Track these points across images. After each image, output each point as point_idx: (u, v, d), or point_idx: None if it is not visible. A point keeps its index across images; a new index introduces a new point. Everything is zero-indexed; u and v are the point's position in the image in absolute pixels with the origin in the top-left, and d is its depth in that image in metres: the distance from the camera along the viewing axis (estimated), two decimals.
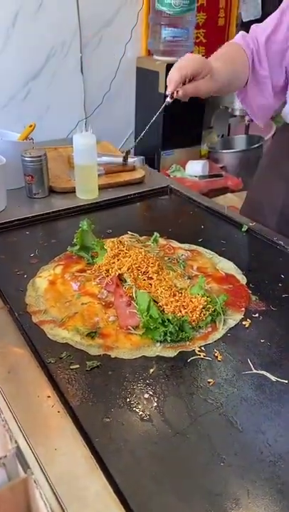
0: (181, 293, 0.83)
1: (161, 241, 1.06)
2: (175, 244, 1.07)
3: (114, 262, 0.90)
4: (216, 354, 0.75)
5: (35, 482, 0.42)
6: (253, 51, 1.11)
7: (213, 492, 0.54)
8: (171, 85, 1.01)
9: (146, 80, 3.08)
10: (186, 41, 2.98)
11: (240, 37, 1.14)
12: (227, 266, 0.99)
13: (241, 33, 1.16)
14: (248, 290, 0.91)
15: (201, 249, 1.05)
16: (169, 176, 2.88)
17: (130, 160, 1.46)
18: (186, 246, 1.06)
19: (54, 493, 0.52)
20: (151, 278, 0.85)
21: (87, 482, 0.54)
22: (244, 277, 0.95)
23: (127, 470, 0.56)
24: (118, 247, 0.94)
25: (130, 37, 3.01)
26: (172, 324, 0.75)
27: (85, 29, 2.78)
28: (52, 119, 2.73)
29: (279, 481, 0.55)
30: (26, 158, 1.26)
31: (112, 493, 0.53)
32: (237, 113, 3.08)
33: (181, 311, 0.79)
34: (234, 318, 0.83)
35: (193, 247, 1.06)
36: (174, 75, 0.99)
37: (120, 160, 1.47)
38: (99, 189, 1.34)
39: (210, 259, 1.01)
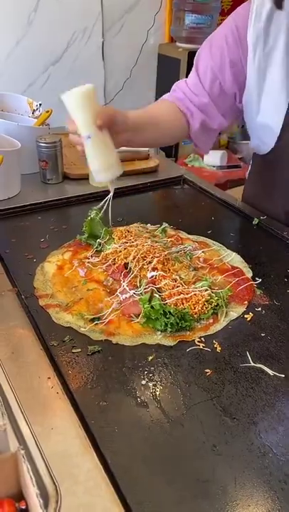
0: (185, 285, 0.84)
1: (170, 231, 1.07)
2: (183, 234, 1.07)
3: (120, 251, 0.91)
4: (215, 345, 0.76)
5: (23, 457, 0.45)
6: (193, 113, 1.05)
7: (201, 478, 0.56)
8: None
9: (168, 68, 3.05)
10: (209, 28, 2.93)
11: (173, 96, 1.08)
12: (234, 258, 0.99)
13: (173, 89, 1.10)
14: (253, 283, 0.91)
15: (209, 241, 1.06)
16: (186, 165, 2.86)
17: (144, 148, 1.46)
18: (194, 237, 1.07)
19: (48, 469, 0.54)
20: (156, 268, 0.86)
21: (80, 461, 0.56)
22: (250, 270, 0.95)
23: (119, 452, 0.58)
24: (126, 236, 0.95)
25: (153, 23, 2.98)
26: (173, 316, 0.76)
27: (107, 14, 2.77)
28: None
29: (266, 472, 0.57)
30: (41, 144, 1.28)
31: (102, 473, 0.55)
32: None
33: (183, 304, 0.80)
34: (236, 310, 0.84)
35: (201, 238, 1.07)
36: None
37: (134, 148, 1.47)
38: None
39: (217, 251, 1.01)
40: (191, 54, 2.89)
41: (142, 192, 1.34)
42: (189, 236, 1.07)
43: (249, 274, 0.95)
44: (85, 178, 1.34)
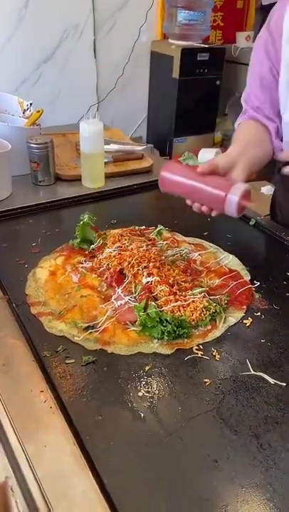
0: (182, 292, 0.81)
1: (166, 233, 1.04)
2: (179, 237, 1.05)
3: (115, 256, 0.88)
4: (214, 353, 0.73)
5: (11, 490, 0.42)
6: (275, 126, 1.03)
7: (202, 497, 0.53)
8: None
9: (161, 65, 3.02)
10: (202, 25, 2.91)
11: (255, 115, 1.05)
12: (231, 261, 0.97)
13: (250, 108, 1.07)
14: (251, 287, 0.89)
15: (205, 243, 1.03)
16: (181, 163, 2.84)
17: (138, 148, 1.43)
18: (190, 239, 1.04)
19: (41, 491, 0.51)
20: (152, 274, 0.83)
21: (75, 481, 0.53)
22: (248, 273, 0.93)
23: (116, 470, 0.55)
24: (120, 240, 0.92)
25: (145, 20, 2.95)
26: (170, 324, 0.73)
27: (98, 11, 2.73)
28: (64, 103, 2.71)
29: (270, 488, 0.54)
30: (32, 145, 1.25)
31: (99, 494, 0.52)
32: None
33: (180, 311, 0.77)
34: (235, 316, 0.82)
35: (198, 240, 1.04)
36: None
37: (128, 148, 1.44)
38: (106, 177, 1.32)
39: (214, 254, 0.99)
40: (184, 51, 2.87)
41: (136, 193, 1.31)
42: (185, 238, 1.05)
43: (247, 277, 0.92)
44: (77, 179, 1.31)
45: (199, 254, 0.97)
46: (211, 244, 1.03)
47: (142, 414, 0.63)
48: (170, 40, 2.99)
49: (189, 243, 1.02)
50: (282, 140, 1.04)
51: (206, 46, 2.93)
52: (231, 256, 0.98)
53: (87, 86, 2.87)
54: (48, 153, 1.26)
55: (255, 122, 1.06)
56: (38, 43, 2.62)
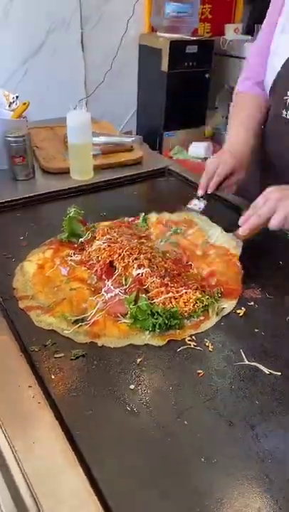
0: (174, 284, 0.79)
1: (152, 218, 1.02)
2: (166, 215, 1.03)
3: (104, 249, 0.86)
4: (207, 344, 0.72)
5: None
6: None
7: (197, 490, 0.51)
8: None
9: (150, 58, 2.99)
10: (190, 17, 2.88)
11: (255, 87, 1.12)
12: (218, 237, 0.94)
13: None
14: (240, 269, 0.87)
15: (192, 216, 1.01)
16: (171, 157, 2.82)
17: (128, 139, 1.41)
18: (176, 216, 1.02)
19: (29, 488, 0.49)
20: (143, 265, 0.81)
21: (65, 477, 0.51)
22: (238, 248, 0.90)
23: (108, 466, 0.53)
24: (109, 233, 0.90)
25: (132, 13, 2.92)
26: (162, 316, 0.71)
27: (85, 5, 2.70)
28: (52, 98, 2.67)
29: (267, 480, 0.53)
30: (10, 139, 1.21)
31: (90, 490, 0.50)
32: None
33: (172, 302, 0.75)
34: (228, 304, 0.80)
35: (183, 215, 1.02)
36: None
37: (117, 139, 1.42)
38: (95, 170, 1.29)
39: (202, 232, 0.96)
40: (173, 43, 2.84)
41: (125, 185, 1.29)
42: (172, 216, 1.02)
43: (237, 250, 0.90)
44: (66, 172, 1.29)
45: (188, 236, 0.94)
46: (200, 216, 1.01)
47: (135, 408, 0.61)
48: (158, 33, 2.96)
49: (176, 222, 0.99)
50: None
51: (195, 39, 2.91)
52: (219, 229, 0.95)
53: (76, 80, 2.83)
54: (25, 146, 1.22)
55: (253, 97, 1.12)
56: (24, 38, 2.58)
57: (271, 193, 0.85)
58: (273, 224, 0.83)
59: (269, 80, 1.07)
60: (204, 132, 3.24)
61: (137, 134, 3.20)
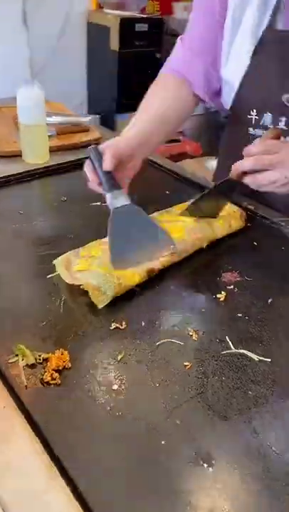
0: None
1: None
2: None
3: None
4: (190, 333, 0.67)
5: None
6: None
7: (192, 496, 0.46)
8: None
9: (98, 37, 2.86)
10: None
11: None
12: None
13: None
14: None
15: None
16: None
17: (85, 119, 1.32)
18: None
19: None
20: None
21: (47, 498, 0.44)
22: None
23: (93, 476, 0.47)
24: None
25: None
26: None
27: None
28: None
29: (268, 476, 0.49)
30: None
31: (74, 501, 0.44)
32: None
33: None
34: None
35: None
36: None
37: (74, 119, 1.32)
38: (50, 152, 1.20)
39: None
40: (123, 21, 2.72)
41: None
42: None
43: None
44: (18, 155, 1.18)
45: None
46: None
47: (118, 409, 0.54)
48: (106, 10, 2.83)
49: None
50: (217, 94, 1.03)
51: (145, 16, 2.81)
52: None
53: (19, 59, 2.66)
54: None
55: (175, 81, 1.07)
56: None
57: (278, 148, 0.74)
58: (260, 181, 0.75)
59: (226, 96, 1.00)
60: None
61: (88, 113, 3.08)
